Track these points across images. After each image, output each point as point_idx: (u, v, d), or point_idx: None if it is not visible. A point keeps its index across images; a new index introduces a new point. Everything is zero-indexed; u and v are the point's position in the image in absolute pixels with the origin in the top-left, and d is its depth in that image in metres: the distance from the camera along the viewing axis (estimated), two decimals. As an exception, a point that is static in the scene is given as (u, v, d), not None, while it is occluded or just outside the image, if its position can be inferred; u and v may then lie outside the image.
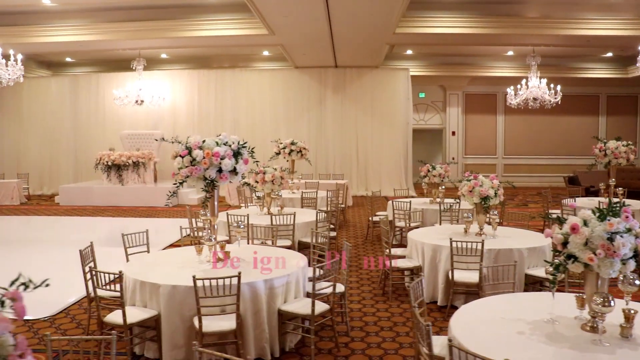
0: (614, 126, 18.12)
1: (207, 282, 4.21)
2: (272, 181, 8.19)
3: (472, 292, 5.86)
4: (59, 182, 17.01)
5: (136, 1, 11.72)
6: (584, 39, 12.62)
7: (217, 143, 5.16)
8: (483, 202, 6.48)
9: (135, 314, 4.42)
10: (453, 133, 18.38)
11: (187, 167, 5.07)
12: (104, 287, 4.60)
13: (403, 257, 6.69)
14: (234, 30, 12.01)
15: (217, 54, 17.15)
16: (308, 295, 5.07)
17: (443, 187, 9.64)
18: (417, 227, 8.07)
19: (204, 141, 5.14)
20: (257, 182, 8.23)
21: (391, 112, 16.08)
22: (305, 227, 7.78)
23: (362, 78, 16.12)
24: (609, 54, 16.52)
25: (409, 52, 16.22)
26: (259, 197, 8.63)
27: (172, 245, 9.12)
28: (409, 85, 16.12)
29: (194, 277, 4.18)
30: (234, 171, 5.25)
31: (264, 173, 8.14)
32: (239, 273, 4.30)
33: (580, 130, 18.21)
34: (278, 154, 11.20)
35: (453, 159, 18.23)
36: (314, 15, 10.36)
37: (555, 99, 14.25)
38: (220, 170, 5.16)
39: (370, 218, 9.73)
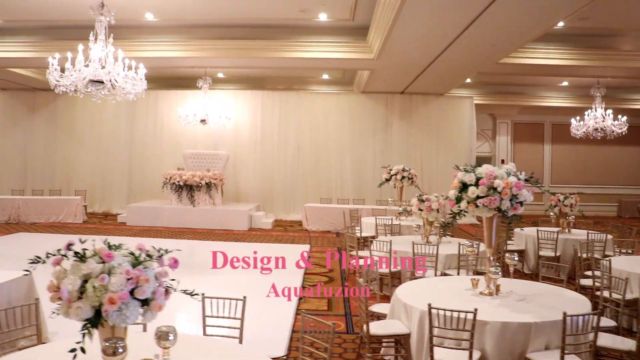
0: (659, 156, 18.87)
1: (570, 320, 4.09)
2: (438, 210, 8.12)
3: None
4: (112, 201, 16.48)
5: (237, 20, 11.57)
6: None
7: (507, 173, 5.10)
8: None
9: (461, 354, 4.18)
10: (502, 161, 18.67)
11: (482, 197, 4.96)
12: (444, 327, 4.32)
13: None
14: (338, 53, 11.94)
15: (272, 76, 17.01)
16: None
17: (572, 216, 9.76)
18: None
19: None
20: (421, 209, 8.14)
21: (456, 140, 16.24)
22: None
23: (428, 105, 16.26)
24: (659, 86, 17.21)
25: (468, 80, 16.48)
26: (418, 226, 8.55)
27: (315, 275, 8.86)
28: (473, 113, 16.36)
29: (564, 313, 4.04)
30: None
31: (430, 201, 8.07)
32: (601, 310, 4.21)
33: (625, 160, 18.85)
34: (388, 180, 11.11)
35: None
36: (436, 44, 10.39)
37: (621, 129, 14.69)
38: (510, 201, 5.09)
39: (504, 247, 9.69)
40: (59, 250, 2.85)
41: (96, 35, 8.79)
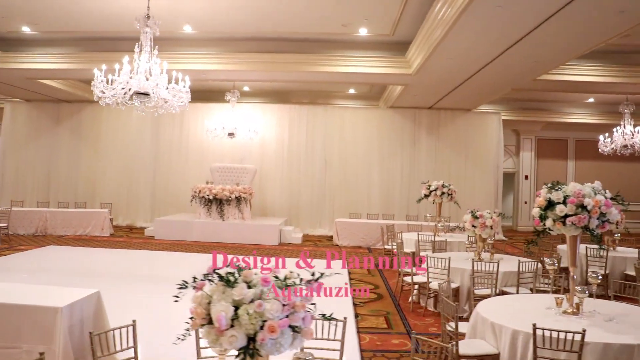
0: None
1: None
2: (491, 227, 8.03)
3: None
4: (136, 214, 16.40)
5: (275, 33, 11.54)
6: None
7: (594, 192, 5.02)
8: None
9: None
10: (526, 177, 18.61)
11: (571, 215, 4.87)
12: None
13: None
14: (375, 68, 11.91)
15: (297, 90, 17.01)
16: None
17: (618, 234, 9.68)
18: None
19: (573, 188, 5.02)
20: (474, 226, 8.05)
21: (483, 156, 16.14)
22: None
23: (456, 121, 16.20)
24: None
25: (494, 96, 16.45)
26: (470, 242, 8.47)
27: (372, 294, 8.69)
28: (501, 129, 16.29)
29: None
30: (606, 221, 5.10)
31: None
32: None
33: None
34: (427, 196, 11.01)
35: (525, 202, 18.46)
36: (478, 61, 10.32)
37: (649, 145, 14.59)
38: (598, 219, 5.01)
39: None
40: (205, 274, 2.73)
41: (141, 46, 8.75)
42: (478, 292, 6.86)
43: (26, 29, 11.70)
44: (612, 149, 14.80)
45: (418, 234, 10.10)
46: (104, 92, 8.74)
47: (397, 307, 7.91)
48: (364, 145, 16.15)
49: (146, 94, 8.90)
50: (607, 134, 14.74)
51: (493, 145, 16.19)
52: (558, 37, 8.76)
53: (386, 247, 11.14)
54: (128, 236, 14.35)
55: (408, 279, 7.98)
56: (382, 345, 6.22)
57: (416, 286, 8.03)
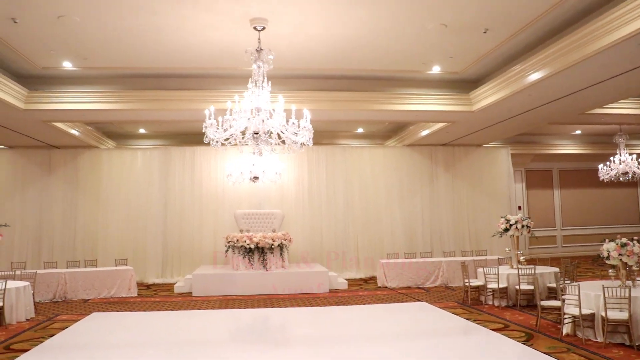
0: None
1: None
2: (638, 254, 8.19)
3: None
4: (146, 269, 14.91)
5: (337, 71, 11.22)
6: None
7: None
8: None
9: None
10: (519, 208, 19.39)
11: None
12: None
13: None
14: (434, 106, 11.89)
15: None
16: None
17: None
18: None
19: None
20: (621, 254, 8.17)
21: (496, 189, 16.52)
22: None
23: (469, 156, 16.54)
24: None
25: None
26: (614, 270, 8.54)
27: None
28: (510, 163, 16.88)
29: None
30: None
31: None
32: None
33: (622, 201, 20.43)
34: (507, 230, 11.07)
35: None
36: (558, 92, 10.47)
37: (645, 172, 15.87)
38: None
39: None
40: None
41: (255, 82, 8.25)
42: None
43: (67, 65, 10.39)
44: (611, 176, 15.91)
45: (518, 268, 10.10)
46: (222, 129, 8.14)
47: (562, 341, 7.76)
48: (384, 184, 15.95)
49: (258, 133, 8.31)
50: (609, 162, 15.80)
51: (504, 178, 16.72)
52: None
53: (471, 283, 10.94)
54: (157, 294, 12.88)
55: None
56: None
57: (569, 317, 7.98)
